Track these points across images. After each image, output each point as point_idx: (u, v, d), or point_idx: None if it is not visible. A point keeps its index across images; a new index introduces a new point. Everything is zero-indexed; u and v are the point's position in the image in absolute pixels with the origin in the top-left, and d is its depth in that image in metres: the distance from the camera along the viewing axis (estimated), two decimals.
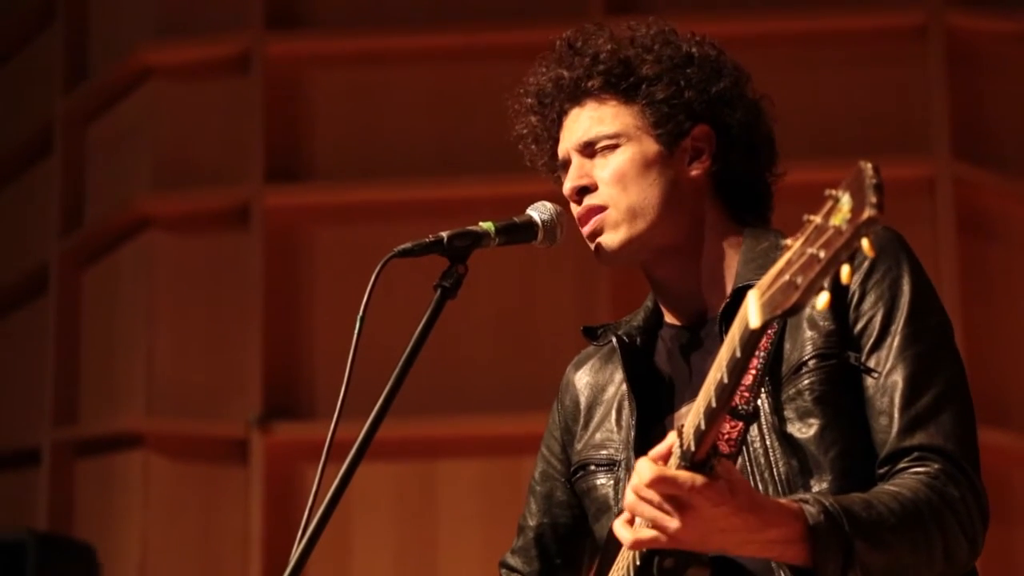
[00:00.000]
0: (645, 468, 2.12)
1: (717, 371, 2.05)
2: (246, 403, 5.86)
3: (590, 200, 2.52)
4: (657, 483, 2.10)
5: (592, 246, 2.54)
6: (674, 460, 2.12)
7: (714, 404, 2.06)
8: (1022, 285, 5.71)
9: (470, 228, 2.49)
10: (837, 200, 1.84)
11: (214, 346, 6.01)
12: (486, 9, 6.06)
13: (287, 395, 5.90)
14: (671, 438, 2.13)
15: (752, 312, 1.94)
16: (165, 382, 5.99)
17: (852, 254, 1.82)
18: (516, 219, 2.55)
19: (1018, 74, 5.86)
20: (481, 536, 5.68)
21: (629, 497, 2.15)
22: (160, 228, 6.10)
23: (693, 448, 2.08)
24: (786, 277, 1.88)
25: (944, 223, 5.57)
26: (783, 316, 1.89)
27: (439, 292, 2.45)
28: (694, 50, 2.56)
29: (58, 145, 6.46)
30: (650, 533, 2.14)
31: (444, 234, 2.47)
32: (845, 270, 1.83)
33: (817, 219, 1.87)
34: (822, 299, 1.85)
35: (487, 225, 2.51)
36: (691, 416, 2.10)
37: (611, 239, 2.51)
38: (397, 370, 2.39)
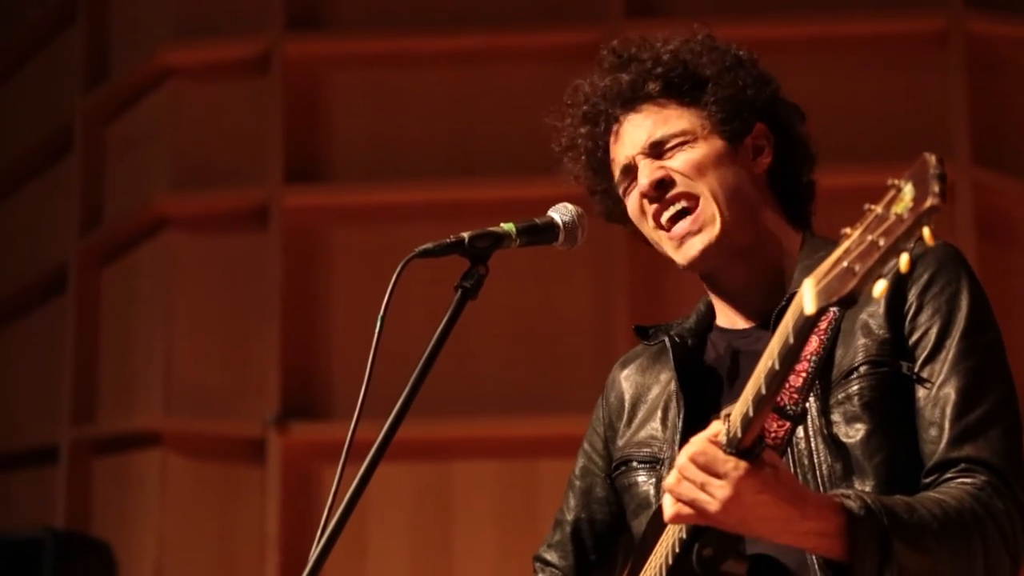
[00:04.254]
0: (693, 441, 2.14)
1: (768, 358, 2.06)
2: (263, 403, 5.87)
3: (675, 191, 2.51)
4: (700, 454, 2.12)
5: (679, 247, 2.51)
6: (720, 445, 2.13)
7: (763, 391, 2.06)
8: None
9: (491, 229, 2.49)
10: (899, 189, 1.85)
11: (232, 346, 6.02)
12: (505, 12, 6.06)
13: (304, 395, 5.91)
14: (716, 425, 2.14)
15: (807, 299, 1.94)
16: (183, 381, 6.00)
17: (912, 243, 1.82)
18: (537, 220, 2.54)
19: None
20: (496, 537, 5.68)
21: (670, 478, 2.16)
22: (179, 228, 6.11)
23: (740, 435, 2.10)
24: (844, 264, 1.89)
25: (964, 228, 5.56)
26: (839, 303, 1.90)
27: (460, 293, 2.45)
28: (742, 53, 2.59)
29: (78, 144, 6.48)
30: (687, 510, 2.16)
31: (465, 235, 2.46)
32: (904, 258, 1.83)
33: (878, 208, 1.87)
34: (879, 287, 1.85)
35: (508, 226, 2.51)
36: (739, 403, 2.11)
37: (707, 237, 2.50)
38: (417, 371, 2.39)
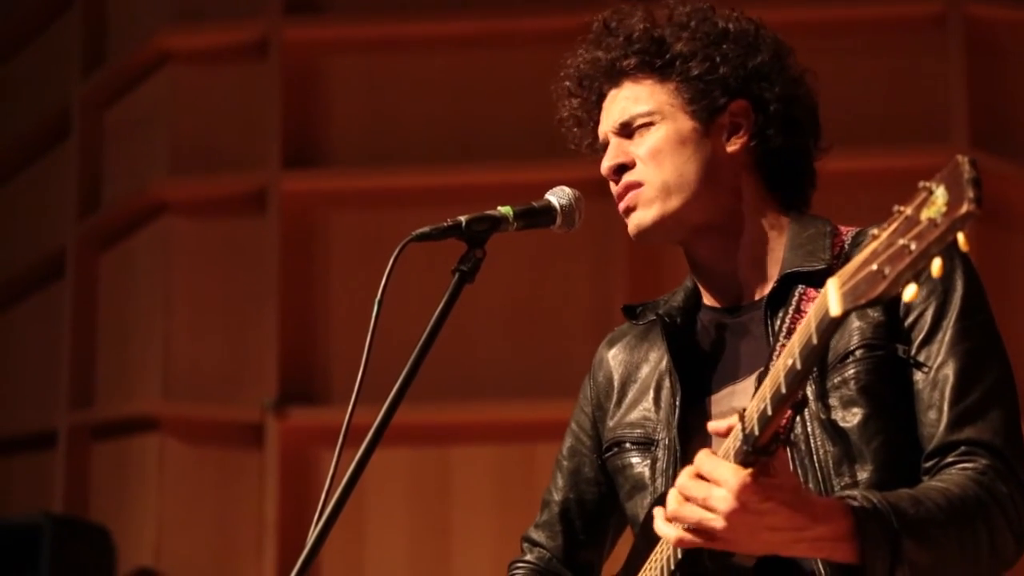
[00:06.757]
0: (699, 459, 2.12)
1: (788, 357, 2.04)
2: (262, 388, 5.87)
3: (627, 177, 2.51)
4: (703, 460, 2.10)
5: (628, 224, 2.53)
6: (734, 443, 2.11)
7: (784, 390, 2.04)
8: None
9: (488, 212, 2.47)
10: (931, 192, 1.82)
11: (230, 330, 6.02)
12: None
13: (302, 380, 5.91)
14: (732, 420, 2.12)
15: (832, 300, 1.92)
16: (181, 366, 6.00)
17: (944, 248, 1.80)
18: (535, 204, 2.53)
19: None
20: (494, 522, 5.68)
21: (672, 502, 2.14)
22: (177, 213, 6.11)
23: (757, 432, 2.07)
24: (873, 267, 1.87)
25: None
26: (867, 306, 1.88)
27: (457, 276, 2.43)
28: (730, 25, 2.55)
29: (76, 129, 6.47)
30: (693, 539, 2.13)
31: (462, 218, 2.45)
32: (937, 263, 1.81)
33: (908, 210, 1.84)
34: (910, 291, 1.83)
35: (505, 209, 2.49)
36: (755, 400, 2.09)
37: (644, 216, 2.50)
38: (414, 355, 2.38)
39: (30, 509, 5.79)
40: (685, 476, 2.14)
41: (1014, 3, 5.85)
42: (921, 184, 1.84)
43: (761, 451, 2.09)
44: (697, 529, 2.12)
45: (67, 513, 5.94)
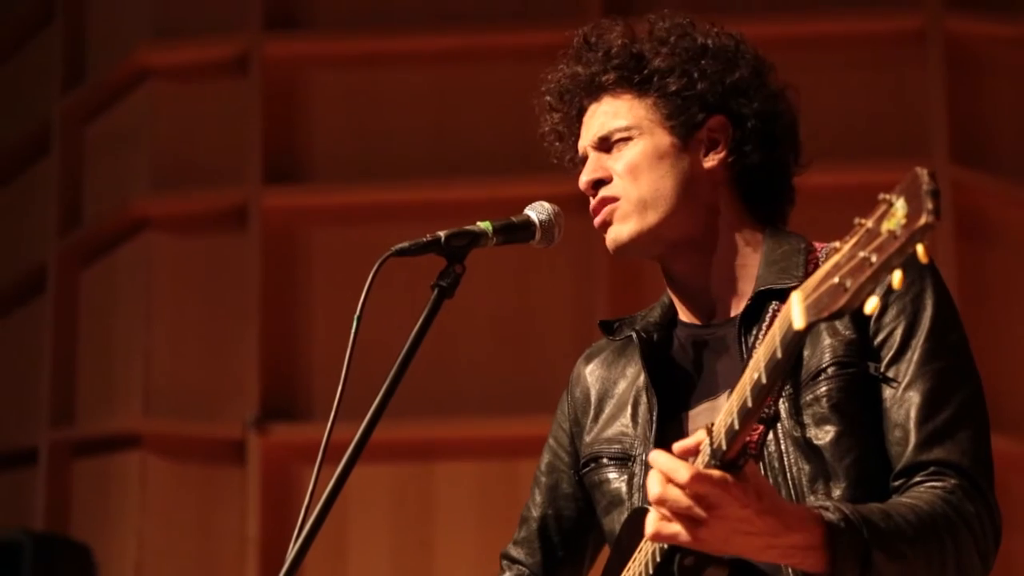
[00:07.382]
0: (681, 469, 2.09)
1: (754, 371, 2.04)
2: (243, 404, 5.86)
3: (604, 192, 2.52)
4: (694, 482, 2.08)
5: (604, 234, 2.53)
6: (703, 458, 2.10)
7: (750, 404, 2.04)
8: (1020, 289, 5.71)
9: (467, 227, 2.48)
10: (891, 204, 1.83)
11: (211, 347, 6.01)
12: (484, 11, 6.06)
13: (284, 396, 5.90)
14: (700, 435, 2.11)
15: (796, 313, 1.93)
16: (162, 383, 5.99)
17: (904, 260, 1.81)
18: (514, 219, 2.54)
19: (1016, 78, 5.86)
20: (477, 538, 5.68)
21: (650, 520, 2.12)
22: (158, 229, 6.10)
23: (724, 447, 2.07)
24: (835, 280, 1.87)
25: (942, 227, 5.55)
26: (830, 319, 1.89)
27: (436, 292, 2.44)
28: (710, 41, 2.56)
29: (56, 145, 6.46)
30: (673, 528, 2.11)
31: (441, 233, 2.46)
32: (897, 275, 1.82)
33: (868, 223, 1.85)
34: (871, 303, 1.84)
35: (485, 224, 2.50)
36: (723, 415, 2.09)
37: (620, 231, 2.50)
38: (393, 371, 2.39)
39: (11, 526, 5.77)
40: (659, 484, 2.09)
41: (993, 18, 5.87)
42: (881, 196, 1.85)
43: (729, 465, 2.08)
44: (680, 516, 2.09)
45: (48, 530, 5.92)
